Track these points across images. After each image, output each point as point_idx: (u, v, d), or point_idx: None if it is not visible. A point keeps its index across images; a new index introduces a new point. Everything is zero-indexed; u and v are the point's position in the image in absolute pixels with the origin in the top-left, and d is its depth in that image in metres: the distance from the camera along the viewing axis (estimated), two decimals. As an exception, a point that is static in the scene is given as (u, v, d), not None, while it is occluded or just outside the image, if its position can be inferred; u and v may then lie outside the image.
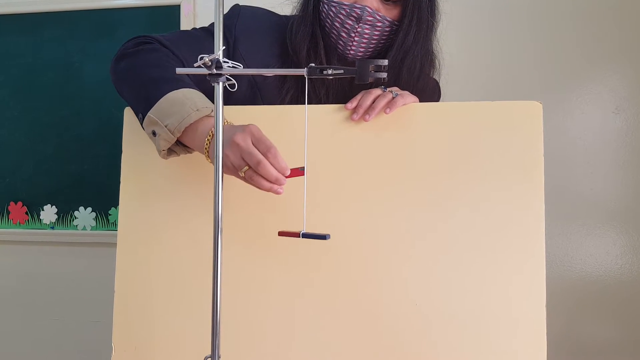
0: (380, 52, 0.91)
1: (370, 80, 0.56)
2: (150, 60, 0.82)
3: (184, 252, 0.85)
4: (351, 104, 0.82)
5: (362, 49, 0.89)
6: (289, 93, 0.89)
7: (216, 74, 0.59)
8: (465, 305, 0.79)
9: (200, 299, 0.82)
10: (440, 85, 1.02)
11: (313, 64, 0.58)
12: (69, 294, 1.76)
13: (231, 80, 0.63)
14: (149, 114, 0.75)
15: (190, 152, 0.80)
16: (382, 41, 0.89)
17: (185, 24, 1.67)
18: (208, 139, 0.72)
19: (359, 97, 0.83)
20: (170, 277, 0.85)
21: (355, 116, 0.81)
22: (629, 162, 1.53)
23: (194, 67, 0.59)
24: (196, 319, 0.83)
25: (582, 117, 1.55)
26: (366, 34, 0.87)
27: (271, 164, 0.69)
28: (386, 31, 0.88)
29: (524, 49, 1.57)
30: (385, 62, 0.56)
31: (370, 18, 0.85)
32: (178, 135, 0.74)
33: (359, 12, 0.85)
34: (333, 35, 0.89)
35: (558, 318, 1.53)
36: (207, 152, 0.73)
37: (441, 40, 0.96)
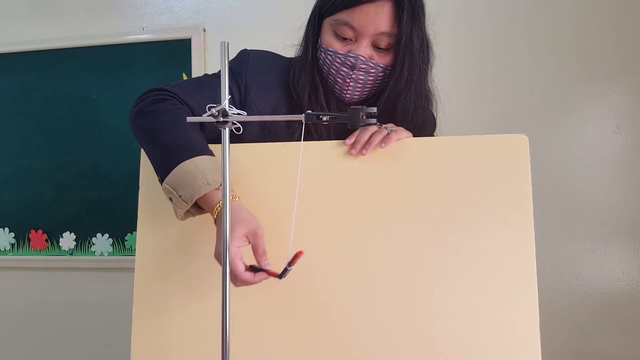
0: (376, 93, 0.96)
1: (362, 125, 0.62)
2: (165, 122, 0.85)
3: (198, 281, 0.89)
4: (349, 140, 0.88)
5: (357, 93, 0.95)
6: (295, 134, 0.95)
7: (222, 122, 0.65)
8: (461, 331, 0.82)
9: (216, 326, 0.86)
10: (440, 116, 1.04)
11: (310, 111, 0.64)
12: (87, 317, 1.81)
13: (237, 124, 0.69)
14: (164, 183, 0.81)
15: (205, 213, 0.84)
16: (376, 85, 0.94)
17: (196, 57, 1.74)
18: (216, 210, 0.78)
19: (356, 133, 0.88)
20: (186, 304, 0.89)
21: (353, 151, 0.87)
22: (632, 179, 1.55)
23: (203, 116, 0.65)
24: (213, 346, 0.86)
25: (583, 135, 1.57)
26: (360, 79, 0.92)
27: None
28: (379, 76, 0.93)
29: (524, 67, 1.59)
30: (374, 109, 0.61)
31: (363, 66, 0.90)
32: (191, 204, 0.80)
33: (353, 61, 0.90)
34: (330, 81, 0.95)
35: (565, 335, 1.52)
36: (216, 220, 0.79)
37: (440, 69, 0.99)
